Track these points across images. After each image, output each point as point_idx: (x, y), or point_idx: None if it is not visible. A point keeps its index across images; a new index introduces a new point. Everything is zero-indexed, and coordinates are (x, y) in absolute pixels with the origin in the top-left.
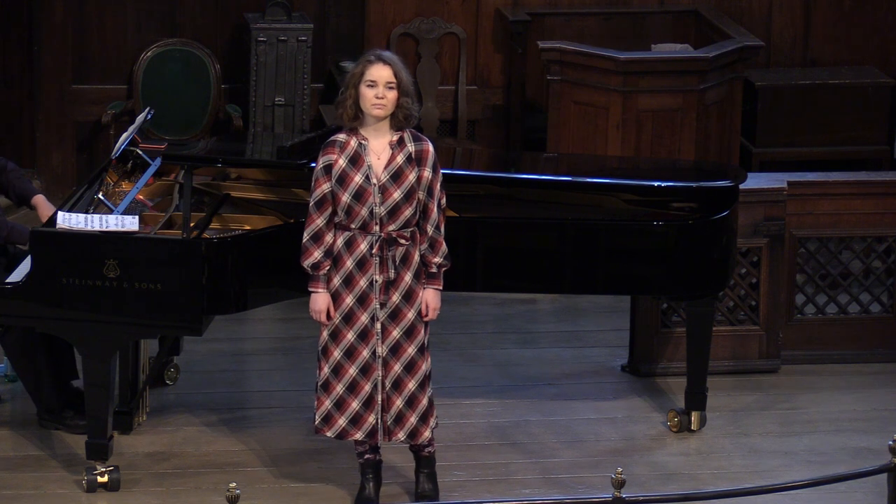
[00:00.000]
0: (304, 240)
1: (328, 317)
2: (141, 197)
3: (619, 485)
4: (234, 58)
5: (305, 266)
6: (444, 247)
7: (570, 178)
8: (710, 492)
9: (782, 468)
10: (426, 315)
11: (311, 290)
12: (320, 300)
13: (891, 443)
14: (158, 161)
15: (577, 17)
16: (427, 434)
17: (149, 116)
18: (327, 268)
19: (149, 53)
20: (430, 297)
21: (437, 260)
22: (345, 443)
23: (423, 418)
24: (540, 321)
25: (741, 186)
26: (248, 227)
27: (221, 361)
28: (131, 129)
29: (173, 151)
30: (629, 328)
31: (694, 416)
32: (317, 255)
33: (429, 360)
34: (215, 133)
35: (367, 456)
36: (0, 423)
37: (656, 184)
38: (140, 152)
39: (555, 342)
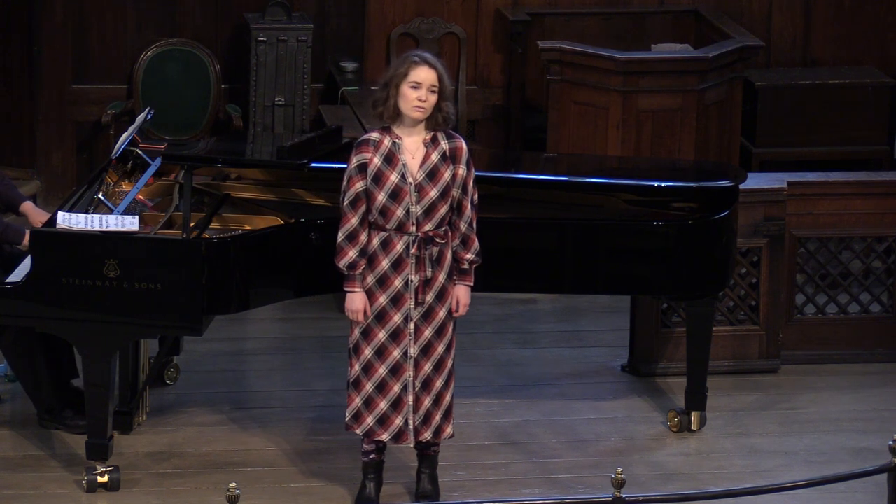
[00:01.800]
0: (339, 239)
1: (365, 315)
2: (141, 197)
3: (619, 485)
4: (234, 58)
5: (341, 266)
6: (476, 243)
7: (570, 178)
8: (710, 492)
9: (782, 468)
10: (457, 311)
11: (347, 289)
12: (357, 300)
13: (891, 443)
14: (158, 161)
15: (577, 17)
16: (449, 431)
17: (149, 116)
18: (363, 267)
19: (149, 53)
20: (461, 294)
21: (470, 256)
22: (344, 443)
23: (446, 415)
24: (540, 321)
25: (741, 186)
26: (249, 227)
27: (221, 361)
28: (131, 129)
29: (173, 151)
30: (629, 328)
31: (694, 416)
32: (352, 254)
33: (453, 355)
34: (215, 133)
35: (372, 455)
36: (0, 423)
37: (656, 184)
38: (140, 152)
39: (555, 342)
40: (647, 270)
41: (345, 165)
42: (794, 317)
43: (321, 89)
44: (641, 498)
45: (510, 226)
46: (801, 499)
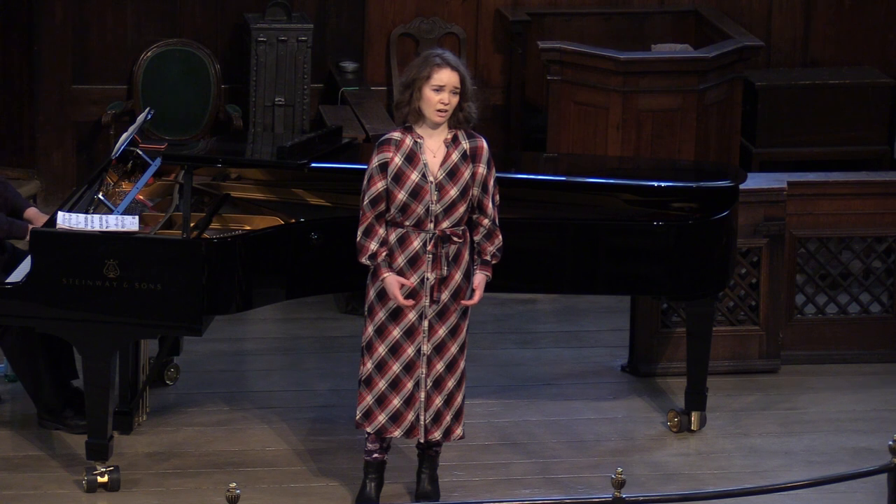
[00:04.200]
0: (358, 238)
1: (381, 312)
2: (141, 197)
3: (619, 485)
4: (234, 58)
5: (365, 261)
6: (499, 239)
7: (569, 178)
8: (710, 492)
9: (782, 468)
10: (470, 299)
11: (379, 279)
12: (390, 283)
13: (891, 443)
14: (158, 161)
15: (577, 17)
16: (459, 432)
17: (149, 116)
18: (385, 253)
19: (149, 53)
20: (478, 281)
21: (492, 249)
22: (344, 443)
23: (457, 416)
24: (540, 321)
25: (741, 186)
26: (249, 228)
27: (221, 361)
28: (131, 129)
29: (173, 151)
30: (629, 328)
31: (694, 416)
32: (372, 246)
33: (465, 357)
34: (215, 133)
35: (375, 455)
36: (0, 423)
37: (656, 184)
38: (140, 152)
39: (555, 342)
40: (647, 270)
41: (345, 165)
42: (794, 317)
43: (321, 89)
44: (641, 498)
45: (511, 226)
46: (801, 499)
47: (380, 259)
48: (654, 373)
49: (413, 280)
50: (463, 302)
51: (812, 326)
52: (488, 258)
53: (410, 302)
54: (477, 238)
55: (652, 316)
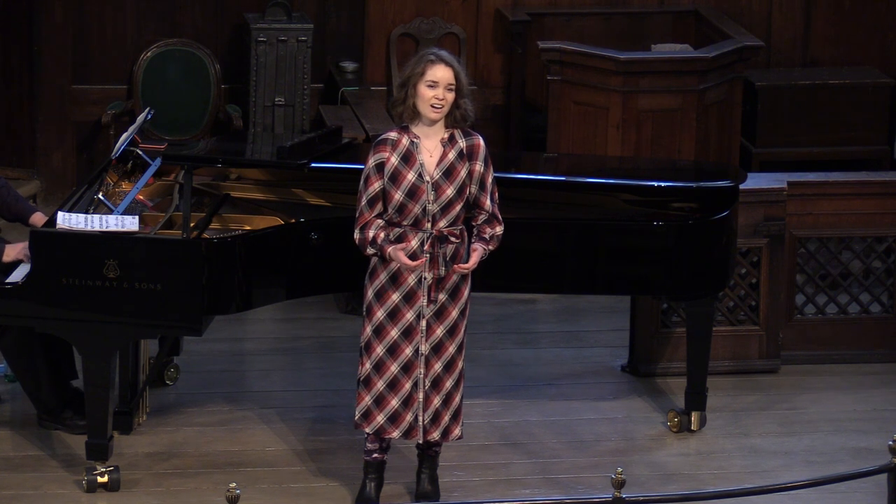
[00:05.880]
0: (357, 236)
1: (380, 312)
2: (141, 197)
3: (619, 485)
4: (234, 58)
5: (369, 250)
6: (500, 228)
7: (569, 178)
8: (710, 492)
9: (782, 468)
10: (464, 265)
11: (389, 259)
12: (395, 254)
13: (891, 443)
14: (158, 161)
15: (577, 17)
16: (457, 432)
17: (149, 116)
18: (384, 234)
19: (149, 53)
20: (476, 248)
21: (491, 232)
22: (344, 443)
23: (455, 416)
24: (540, 321)
25: (741, 186)
26: (249, 228)
27: (221, 361)
28: (131, 129)
29: (173, 151)
30: (629, 328)
31: (694, 417)
32: (370, 234)
33: (464, 357)
34: (215, 133)
35: (374, 455)
36: (0, 423)
37: (656, 184)
38: (140, 152)
39: (555, 342)
40: (647, 270)
41: (345, 165)
42: (794, 317)
43: (321, 89)
44: (641, 498)
45: (510, 226)
46: (801, 499)
47: (380, 241)
48: (654, 373)
49: (411, 280)
50: (455, 266)
51: (812, 326)
52: (486, 237)
53: (421, 260)
54: (476, 224)
55: (652, 316)
